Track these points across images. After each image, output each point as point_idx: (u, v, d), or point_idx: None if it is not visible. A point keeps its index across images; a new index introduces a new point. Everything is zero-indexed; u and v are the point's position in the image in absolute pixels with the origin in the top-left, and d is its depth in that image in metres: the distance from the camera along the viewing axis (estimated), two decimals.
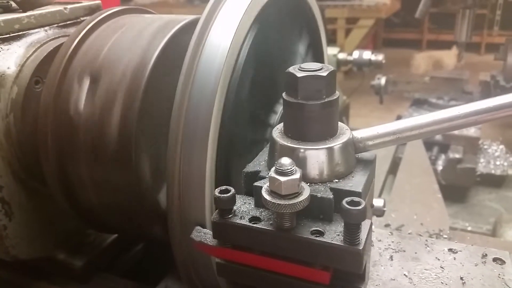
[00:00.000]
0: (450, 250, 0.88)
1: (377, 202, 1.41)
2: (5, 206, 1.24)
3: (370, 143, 0.79)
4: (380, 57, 3.20)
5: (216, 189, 0.73)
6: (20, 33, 1.27)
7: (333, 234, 0.68)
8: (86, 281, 1.45)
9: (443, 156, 2.94)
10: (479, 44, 8.44)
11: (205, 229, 0.81)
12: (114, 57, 1.07)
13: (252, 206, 0.75)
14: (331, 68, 0.74)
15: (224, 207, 0.72)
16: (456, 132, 3.04)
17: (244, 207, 0.75)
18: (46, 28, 1.34)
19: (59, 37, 1.34)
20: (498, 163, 2.99)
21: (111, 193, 1.09)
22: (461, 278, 0.81)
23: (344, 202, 0.65)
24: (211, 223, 0.74)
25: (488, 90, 3.30)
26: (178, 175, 0.83)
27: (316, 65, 0.74)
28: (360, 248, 0.65)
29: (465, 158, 2.87)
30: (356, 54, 3.22)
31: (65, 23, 1.40)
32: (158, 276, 1.46)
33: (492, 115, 0.82)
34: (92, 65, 1.07)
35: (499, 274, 0.82)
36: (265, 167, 0.80)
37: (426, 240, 0.90)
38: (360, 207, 0.63)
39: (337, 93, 0.75)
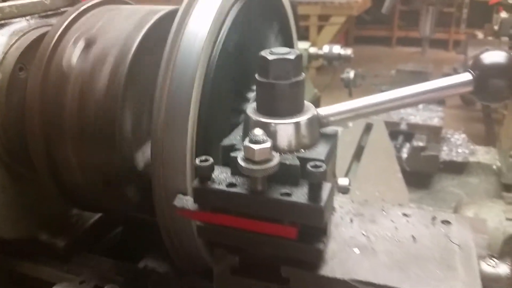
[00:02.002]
0: (403, 214, 1.00)
1: (343, 181, 1.54)
2: None
3: (332, 119, 0.90)
4: (349, 51, 3.34)
5: (197, 159, 0.82)
6: (2, 21, 1.32)
7: (299, 195, 0.78)
8: (68, 260, 1.51)
9: (407, 145, 3.11)
10: (447, 41, 8.76)
11: (186, 196, 0.90)
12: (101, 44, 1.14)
13: (229, 174, 0.85)
14: (298, 52, 0.84)
15: (204, 174, 0.81)
16: (420, 122, 3.22)
17: (221, 175, 0.84)
18: (28, 17, 1.39)
19: (41, 26, 1.40)
20: (460, 151, 3.18)
21: (95, 168, 1.15)
22: (413, 236, 0.92)
23: (308, 165, 0.75)
24: (192, 190, 0.84)
25: None
26: (161, 152, 0.92)
27: (285, 50, 0.84)
28: (322, 204, 0.76)
29: (429, 146, 3.04)
30: (326, 49, 3.35)
31: (46, 13, 1.46)
32: (137, 256, 1.54)
33: (434, 95, 0.94)
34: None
35: (445, 233, 0.94)
36: (240, 141, 0.89)
37: (383, 206, 1.02)
38: (321, 169, 0.74)
39: (303, 74, 0.85)
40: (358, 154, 2.03)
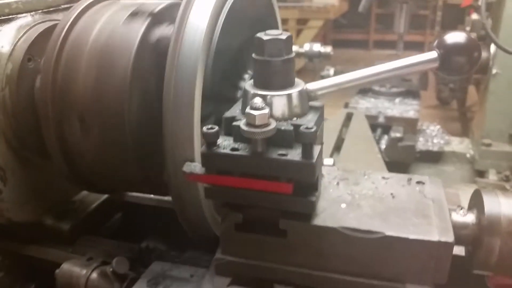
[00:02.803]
0: (383, 177, 1.14)
1: (328, 161, 1.67)
2: (1, 171, 1.38)
3: (319, 92, 1.03)
4: (328, 49, 3.50)
5: (204, 127, 0.94)
6: (9, 16, 1.42)
7: (294, 155, 0.91)
8: (72, 243, 1.60)
9: (385, 137, 3.28)
10: (422, 43, 9.05)
11: (194, 163, 1.02)
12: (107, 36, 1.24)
13: (231, 141, 0.97)
14: (289, 33, 0.98)
15: (210, 140, 0.94)
16: (397, 114, 3.39)
17: (225, 142, 0.97)
18: (32, 13, 1.49)
19: (45, 21, 1.50)
20: (435, 141, 3.37)
21: (106, 152, 1.26)
22: (391, 194, 1.06)
23: (301, 128, 0.88)
24: (200, 156, 0.96)
25: (425, 77, 3.68)
26: (171, 124, 1.03)
27: (277, 32, 0.97)
28: (313, 161, 0.89)
29: (406, 137, 3.22)
30: (307, 47, 3.51)
31: (48, 9, 1.55)
32: (137, 240, 1.64)
33: (405, 71, 1.08)
34: (85, 41, 1.25)
35: (419, 191, 1.08)
36: (239, 113, 1.02)
37: (365, 172, 1.16)
38: (312, 130, 0.87)
39: (294, 53, 0.99)
40: (340, 139, 2.17)
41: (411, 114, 3.34)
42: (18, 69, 1.36)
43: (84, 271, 1.35)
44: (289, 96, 0.98)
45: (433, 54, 1.07)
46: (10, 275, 1.59)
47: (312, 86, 1.03)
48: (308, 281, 1.00)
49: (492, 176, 3.03)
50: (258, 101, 0.89)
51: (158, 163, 1.32)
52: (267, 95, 0.97)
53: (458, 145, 3.46)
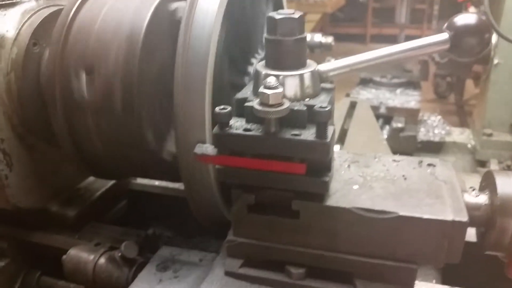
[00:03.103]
0: (393, 160, 1.13)
1: (334, 148, 1.67)
2: (6, 157, 1.37)
3: (331, 73, 1.02)
4: (329, 39, 3.48)
5: (216, 108, 0.93)
6: (14, 1, 1.41)
7: (308, 134, 0.91)
8: (78, 229, 1.60)
9: (387, 127, 3.28)
10: (420, 37, 8.99)
11: (206, 144, 1.01)
12: (111, 18, 1.23)
13: (244, 122, 0.97)
14: (301, 12, 0.97)
15: (223, 120, 0.93)
16: (398, 105, 3.39)
17: (237, 123, 0.96)
18: None
19: (48, 6, 1.48)
20: (436, 131, 3.37)
21: (114, 135, 1.25)
22: (403, 176, 1.06)
23: (315, 107, 0.88)
24: (212, 137, 0.95)
25: (426, 68, 3.68)
26: (182, 107, 1.03)
27: (290, 11, 0.96)
28: (328, 140, 0.88)
29: (407, 127, 3.22)
30: (308, 37, 3.48)
31: None
32: (142, 227, 1.63)
33: (417, 52, 1.07)
34: (93, 23, 1.23)
35: (431, 173, 1.08)
36: (251, 94, 1.01)
37: (375, 155, 1.15)
38: (327, 109, 0.87)
39: (306, 33, 0.98)
40: (344, 128, 2.17)
41: (412, 104, 3.35)
42: (23, 53, 1.34)
43: (92, 256, 1.34)
44: (301, 77, 0.97)
45: (444, 35, 1.06)
46: (15, 262, 1.59)
47: (324, 67, 1.02)
48: (320, 262, 1.00)
49: (494, 166, 3.04)
50: (272, 80, 0.88)
51: (170, 147, 1.31)
52: (280, 75, 0.96)
53: (459, 135, 3.47)
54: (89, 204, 1.66)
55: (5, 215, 1.58)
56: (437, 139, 3.33)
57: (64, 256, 1.38)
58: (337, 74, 1.03)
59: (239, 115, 0.99)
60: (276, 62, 0.97)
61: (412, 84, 3.66)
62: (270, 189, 0.98)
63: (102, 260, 1.33)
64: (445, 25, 1.08)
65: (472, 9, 4.14)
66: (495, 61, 3.04)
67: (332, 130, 0.92)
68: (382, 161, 1.13)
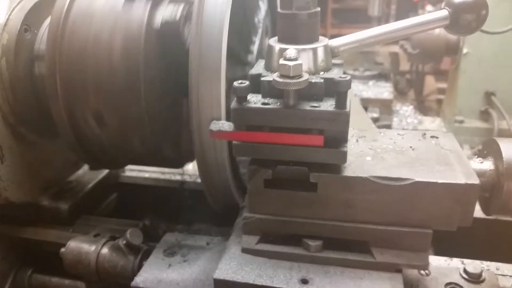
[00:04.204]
0: (398, 134, 1.17)
1: None
2: None
3: (342, 48, 1.04)
4: None
5: (235, 82, 0.93)
6: None
7: (326, 106, 0.92)
8: (72, 223, 1.55)
9: None
10: None
11: (221, 121, 1.01)
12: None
13: (260, 97, 0.97)
14: None
15: (242, 94, 0.93)
16: (372, 96, 3.48)
17: (254, 99, 0.97)
18: None
19: None
20: (409, 120, 3.48)
21: (116, 121, 1.22)
22: (411, 147, 1.09)
23: (335, 77, 0.90)
24: (231, 111, 0.95)
25: (397, 60, 3.79)
26: (197, 83, 1.02)
27: None
28: (348, 110, 0.90)
29: (382, 117, 3.30)
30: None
31: None
32: (134, 218, 1.60)
33: (420, 28, 1.11)
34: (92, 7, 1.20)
35: (435, 143, 1.12)
36: (264, 70, 1.02)
37: (379, 130, 1.18)
38: (347, 78, 0.88)
39: (318, 8, 0.99)
40: None
41: (385, 95, 3.44)
42: (15, 39, 1.30)
43: (93, 247, 1.31)
44: (315, 50, 0.99)
45: (444, 12, 1.10)
46: (6, 259, 1.53)
47: (335, 42, 1.04)
48: (337, 233, 1.02)
49: (466, 151, 3.16)
50: (292, 52, 0.89)
51: (172, 134, 1.30)
52: (295, 48, 0.97)
53: (431, 124, 3.59)
54: (81, 197, 1.62)
55: None
56: (410, 128, 3.43)
57: (62, 249, 1.34)
58: (347, 49, 1.05)
59: (253, 91, 0.99)
60: (290, 36, 0.99)
61: (383, 77, 3.76)
62: (287, 162, 0.99)
63: (105, 250, 1.30)
64: (444, 3, 1.13)
65: (429, 7, 4.30)
66: (465, 50, 3.17)
67: (350, 101, 0.94)
68: (388, 135, 1.16)
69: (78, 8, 1.20)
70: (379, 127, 3.32)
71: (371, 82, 3.71)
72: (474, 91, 3.21)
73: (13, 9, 1.32)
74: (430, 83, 5.20)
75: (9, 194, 1.39)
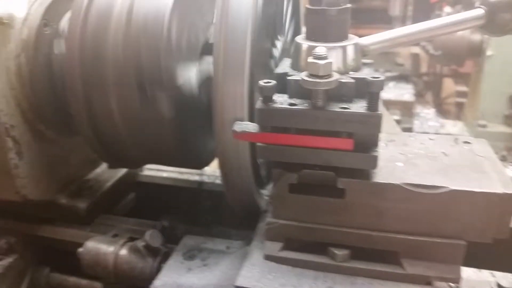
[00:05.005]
0: (429, 138, 1.11)
1: None
2: (16, 145, 1.30)
3: (372, 47, 0.99)
4: None
5: (260, 81, 0.89)
6: None
7: (357, 107, 0.87)
8: (90, 222, 1.53)
9: None
10: None
11: (245, 122, 0.97)
12: None
13: (286, 97, 0.93)
14: None
15: (267, 94, 0.89)
16: (393, 98, 3.41)
17: (280, 99, 0.92)
18: None
19: None
20: (430, 124, 3.40)
21: (138, 123, 1.19)
22: (443, 152, 1.04)
23: (368, 77, 0.85)
24: (256, 112, 0.91)
25: (417, 61, 3.71)
26: (221, 83, 0.98)
27: None
28: (380, 112, 0.85)
29: (403, 120, 3.24)
30: None
31: None
32: (152, 218, 1.57)
33: (455, 28, 1.06)
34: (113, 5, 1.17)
35: (469, 149, 1.06)
36: (290, 69, 0.97)
37: (409, 134, 1.13)
38: (381, 78, 0.83)
39: (349, 4, 0.95)
40: None
41: (406, 97, 3.37)
42: (34, 34, 1.27)
43: (111, 248, 1.28)
44: (345, 49, 0.94)
45: (479, 11, 1.05)
46: (23, 258, 1.51)
47: (365, 40, 0.99)
48: (365, 243, 0.97)
49: None
50: (321, 50, 0.84)
51: (192, 134, 1.26)
52: (324, 46, 0.92)
53: (452, 127, 3.51)
54: (100, 196, 1.59)
55: (12, 209, 1.50)
56: (432, 131, 3.36)
57: (80, 249, 1.31)
58: (378, 48, 1.00)
59: (279, 91, 0.95)
60: (319, 33, 0.94)
61: (404, 78, 3.69)
62: (313, 166, 0.95)
63: (123, 251, 1.27)
64: (479, 1, 1.07)
65: (447, 8, 4.20)
66: (488, 52, 3.08)
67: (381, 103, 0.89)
68: (419, 139, 1.11)
69: (99, 3, 1.17)
70: (401, 130, 3.25)
71: (391, 84, 3.64)
72: (497, 95, 3.12)
73: (33, 4, 1.30)
74: (449, 85, 5.10)
75: (27, 191, 1.37)
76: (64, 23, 1.33)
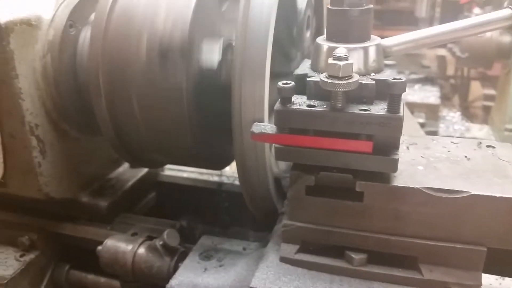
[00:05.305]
0: (452, 142, 1.09)
1: None
2: (40, 144, 1.33)
3: (395, 48, 0.98)
4: None
5: (279, 82, 0.89)
6: None
7: (377, 109, 0.86)
8: (110, 220, 1.55)
9: None
10: None
11: (263, 123, 0.96)
12: None
13: (305, 99, 0.92)
14: None
15: (286, 95, 0.88)
16: (418, 100, 3.35)
17: (299, 100, 0.92)
18: None
19: None
20: (456, 127, 3.33)
21: (159, 124, 1.20)
22: (466, 156, 1.01)
23: (389, 78, 0.83)
24: (274, 113, 0.90)
25: (444, 63, 3.63)
26: (239, 84, 0.97)
27: None
28: (401, 114, 0.83)
29: (428, 123, 3.18)
30: None
31: None
32: (172, 218, 1.58)
33: (481, 29, 1.03)
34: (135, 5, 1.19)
35: (492, 154, 1.03)
36: (310, 70, 0.97)
37: (431, 137, 1.11)
38: (402, 80, 0.82)
39: (371, 5, 0.93)
40: None
41: (432, 100, 3.31)
42: (60, 35, 1.30)
43: (130, 246, 1.30)
44: (366, 50, 0.93)
45: (507, 11, 1.02)
46: (45, 254, 1.54)
47: (388, 41, 0.98)
48: (384, 247, 0.95)
49: None
50: (342, 51, 0.83)
51: (211, 134, 1.27)
52: (345, 47, 0.91)
53: (478, 131, 3.43)
54: (121, 195, 1.61)
55: (34, 206, 1.54)
56: (457, 135, 3.29)
57: (99, 247, 1.33)
58: (401, 49, 0.98)
59: (298, 92, 0.94)
60: (340, 34, 0.93)
61: (429, 80, 3.62)
62: (331, 169, 0.94)
63: (141, 250, 1.28)
64: (507, 1, 1.04)
65: (477, 10, 4.10)
66: None
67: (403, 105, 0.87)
68: (441, 142, 1.08)
69: (122, 5, 1.19)
70: (426, 133, 3.19)
71: (417, 86, 3.58)
72: None
73: (60, 5, 1.33)
74: (476, 89, 4.98)
75: (49, 189, 1.39)
76: (89, 24, 1.36)
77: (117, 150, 1.32)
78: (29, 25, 1.25)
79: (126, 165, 1.72)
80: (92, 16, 1.29)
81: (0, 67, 1.21)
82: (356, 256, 0.96)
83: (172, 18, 1.14)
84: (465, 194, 0.88)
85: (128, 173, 1.70)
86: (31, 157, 1.30)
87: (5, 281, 1.37)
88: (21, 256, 1.47)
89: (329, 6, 0.93)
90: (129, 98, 1.18)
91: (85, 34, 1.34)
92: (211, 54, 1.16)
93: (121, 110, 1.21)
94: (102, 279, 1.53)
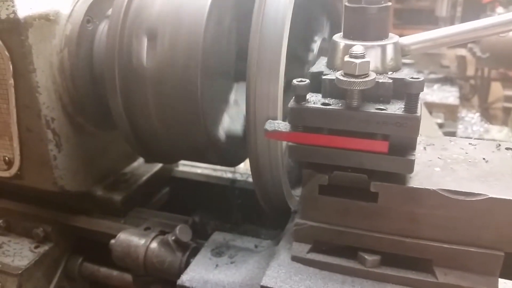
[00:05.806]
0: (470, 143, 1.06)
1: None
2: (56, 137, 1.34)
3: (413, 47, 0.96)
4: None
5: (294, 80, 0.88)
6: None
7: (394, 109, 0.84)
8: (124, 214, 1.56)
9: None
10: None
11: (277, 120, 0.95)
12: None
13: (320, 97, 0.91)
14: None
15: (301, 93, 0.87)
16: (436, 100, 3.30)
17: (313, 98, 0.90)
18: None
19: None
20: (475, 128, 3.27)
21: (174, 121, 1.20)
22: (484, 158, 0.99)
23: (407, 77, 0.82)
24: (288, 111, 0.89)
25: (464, 63, 3.57)
26: (255, 81, 0.97)
27: None
28: (419, 114, 0.82)
29: (446, 123, 3.13)
30: None
31: None
32: (185, 213, 1.58)
33: (502, 29, 0.99)
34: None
35: (511, 156, 1.01)
36: (326, 68, 0.95)
37: (449, 138, 1.08)
38: (420, 79, 0.80)
39: (390, 2, 0.92)
40: None
41: (451, 100, 3.25)
42: (78, 30, 1.31)
43: (142, 241, 1.30)
44: (384, 48, 0.91)
45: None
46: (59, 246, 1.55)
47: (406, 40, 0.96)
48: (398, 249, 0.94)
49: None
50: (358, 48, 0.82)
51: (225, 132, 1.26)
52: (362, 45, 0.90)
53: (498, 133, 3.36)
54: (135, 189, 1.62)
55: (49, 198, 1.56)
56: (476, 136, 3.23)
57: (112, 241, 1.34)
58: (420, 48, 0.96)
59: (313, 90, 0.93)
60: (357, 32, 0.92)
61: (449, 80, 3.56)
62: (345, 169, 0.92)
63: (154, 244, 1.28)
64: None
65: (500, 9, 4.01)
66: None
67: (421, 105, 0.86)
68: (459, 144, 1.06)
69: (139, 1, 1.19)
70: (444, 134, 3.14)
71: (435, 86, 3.53)
72: None
73: (78, 0, 1.33)
74: (497, 89, 4.88)
75: (64, 182, 1.41)
76: (106, 19, 1.36)
77: (132, 145, 1.32)
78: (47, 20, 1.26)
79: (141, 160, 1.73)
80: (110, 12, 1.30)
81: (18, 61, 1.22)
82: (369, 257, 0.95)
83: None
84: (483, 197, 0.86)
85: (143, 168, 1.71)
86: (47, 150, 1.32)
87: (19, 271, 1.39)
88: (36, 247, 1.49)
89: (346, 3, 0.91)
90: (144, 94, 1.19)
91: (102, 29, 1.34)
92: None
93: (136, 106, 1.22)
94: (115, 273, 1.54)
